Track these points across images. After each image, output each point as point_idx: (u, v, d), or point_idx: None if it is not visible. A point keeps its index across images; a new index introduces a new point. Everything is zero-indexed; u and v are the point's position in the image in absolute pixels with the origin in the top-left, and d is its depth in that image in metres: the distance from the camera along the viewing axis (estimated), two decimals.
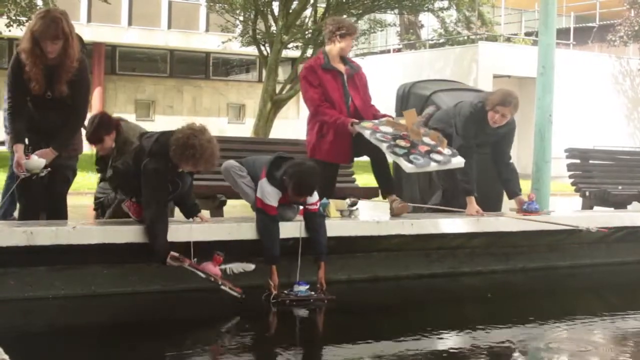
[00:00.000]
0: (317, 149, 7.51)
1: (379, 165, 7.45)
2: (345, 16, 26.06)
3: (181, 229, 6.17)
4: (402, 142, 7.24)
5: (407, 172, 7.38)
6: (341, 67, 7.58)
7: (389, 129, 7.31)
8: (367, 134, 7.22)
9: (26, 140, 6.23)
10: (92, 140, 6.80)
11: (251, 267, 6.20)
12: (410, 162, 7.10)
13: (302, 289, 6.27)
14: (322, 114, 7.40)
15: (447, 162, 7.27)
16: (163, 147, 5.99)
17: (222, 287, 5.94)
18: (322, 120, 7.43)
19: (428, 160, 7.18)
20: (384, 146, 7.17)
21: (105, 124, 6.81)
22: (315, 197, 6.60)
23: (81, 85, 6.29)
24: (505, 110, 7.59)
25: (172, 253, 5.88)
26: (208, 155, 5.95)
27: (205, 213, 6.87)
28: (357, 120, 7.33)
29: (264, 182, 6.44)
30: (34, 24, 5.99)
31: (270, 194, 6.41)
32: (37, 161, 6.09)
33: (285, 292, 6.28)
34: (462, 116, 7.79)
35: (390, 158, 7.26)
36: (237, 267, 6.13)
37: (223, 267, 6.04)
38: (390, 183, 7.54)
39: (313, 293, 6.29)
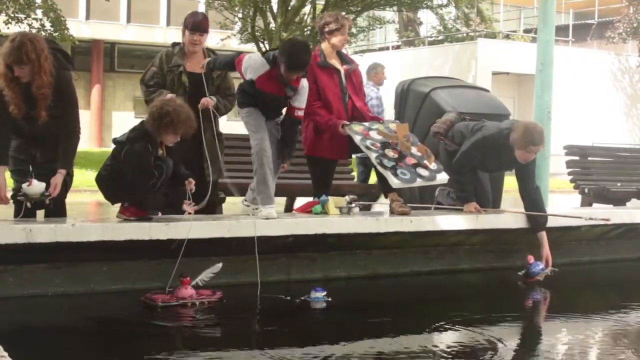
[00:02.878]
0: (316, 145, 7.51)
1: None
2: (344, 13, 26.11)
3: (180, 227, 6.17)
4: (390, 153, 7.22)
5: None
6: (338, 64, 7.55)
7: (378, 137, 7.29)
8: (357, 139, 7.21)
9: (30, 167, 6.19)
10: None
11: (218, 266, 6.11)
12: (397, 176, 7.08)
13: (319, 295, 6.25)
14: (314, 114, 7.37)
15: (432, 178, 7.26)
16: (139, 131, 6.17)
17: (201, 302, 5.93)
18: (314, 120, 7.41)
19: (415, 176, 7.16)
20: (372, 156, 7.17)
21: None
22: (303, 102, 6.88)
23: (67, 103, 6.23)
24: (538, 148, 7.32)
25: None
26: (184, 117, 6.14)
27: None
28: (347, 123, 7.30)
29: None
30: (3, 48, 5.97)
31: (255, 61, 6.81)
32: (38, 186, 5.98)
33: (302, 297, 6.26)
34: (483, 136, 7.54)
35: (378, 170, 7.21)
36: (206, 275, 6.06)
37: (194, 282, 6.02)
38: None
39: (330, 299, 6.26)
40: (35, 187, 5.99)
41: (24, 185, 5.98)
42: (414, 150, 7.34)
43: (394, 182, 7.09)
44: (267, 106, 6.90)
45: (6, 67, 5.93)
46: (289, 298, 6.24)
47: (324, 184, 7.56)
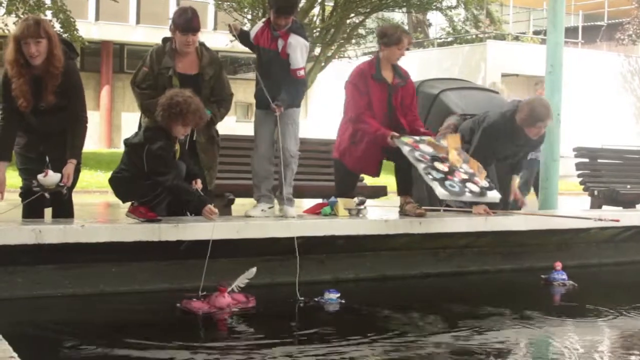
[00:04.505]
0: (347, 154, 7.45)
1: (402, 171, 7.37)
2: (353, 15, 26.09)
3: (189, 228, 6.16)
4: (440, 166, 7.03)
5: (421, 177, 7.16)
6: (390, 77, 7.42)
7: (428, 149, 7.12)
8: (405, 150, 7.06)
9: (47, 158, 6.19)
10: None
11: (253, 271, 6.07)
12: (445, 187, 6.88)
13: (332, 296, 6.24)
14: (364, 122, 7.23)
15: (482, 194, 7.05)
16: (154, 129, 6.19)
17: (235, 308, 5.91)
18: (362, 129, 7.27)
19: (463, 189, 6.96)
20: (420, 167, 6.98)
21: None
22: (302, 62, 6.89)
23: (73, 91, 6.26)
24: (547, 122, 7.56)
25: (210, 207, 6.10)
26: (194, 108, 6.13)
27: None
28: (397, 134, 7.17)
29: None
30: (16, 29, 6.03)
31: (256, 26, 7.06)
32: (54, 176, 6.01)
33: (316, 299, 6.25)
34: (487, 124, 7.71)
35: (425, 180, 7.03)
36: (241, 281, 6.02)
37: (229, 289, 5.99)
38: (410, 186, 7.47)
39: (343, 301, 6.26)
40: (52, 177, 6.02)
41: (40, 176, 6.00)
42: (465, 166, 7.16)
43: (441, 192, 6.88)
44: (266, 71, 6.92)
45: (17, 52, 5.97)
46: (302, 298, 6.24)
47: (346, 189, 7.52)
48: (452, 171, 7.05)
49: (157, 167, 6.04)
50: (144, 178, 6.10)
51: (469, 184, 7.02)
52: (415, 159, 7.02)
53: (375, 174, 7.67)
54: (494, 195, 7.13)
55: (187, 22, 6.67)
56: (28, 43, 5.95)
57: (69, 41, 6.54)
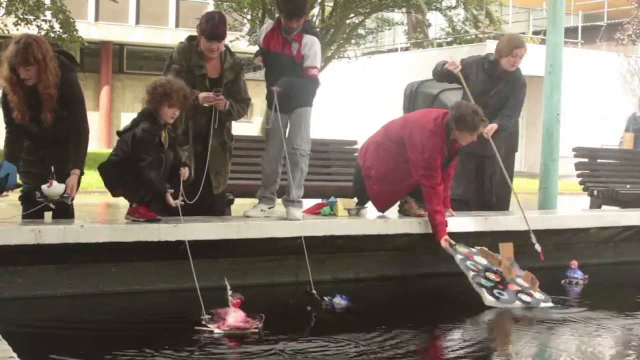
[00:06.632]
0: (373, 181, 7.38)
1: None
2: (352, 15, 26.08)
3: (189, 228, 6.16)
4: (491, 276, 6.78)
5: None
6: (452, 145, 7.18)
7: (483, 261, 6.96)
8: (457, 258, 6.87)
9: (52, 168, 6.20)
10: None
11: (225, 281, 5.76)
12: (494, 296, 6.58)
13: (342, 302, 6.21)
14: (434, 195, 6.98)
15: (534, 304, 6.64)
16: (141, 114, 6.25)
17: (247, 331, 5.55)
18: (428, 198, 7.00)
19: (514, 297, 6.62)
20: (470, 274, 6.74)
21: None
22: (317, 62, 6.85)
23: (73, 103, 6.26)
24: (522, 51, 8.10)
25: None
26: (177, 87, 6.19)
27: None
28: (453, 242, 6.97)
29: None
30: (8, 51, 6.01)
31: (266, 25, 7.00)
32: (58, 187, 6.00)
33: (326, 298, 6.24)
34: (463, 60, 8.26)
35: (473, 286, 6.71)
36: (228, 289, 5.90)
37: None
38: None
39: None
40: (56, 188, 6.01)
41: (44, 187, 5.99)
42: (519, 279, 6.88)
43: (487, 299, 6.54)
44: (277, 76, 6.81)
45: (10, 71, 5.96)
46: (314, 291, 6.23)
47: (358, 195, 7.50)
48: (504, 282, 6.76)
49: (139, 150, 6.06)
50: (128, 162, 6.12)
51: (521, 294, 6.69)
52: (466, 267, 6.81)
53: (383, 211, 7.54)
54: (547, 305, 6.71)
55: (213, 29, 6.65)
56: (18, 68, 5.95)
57: (69, 53, 6.49)
